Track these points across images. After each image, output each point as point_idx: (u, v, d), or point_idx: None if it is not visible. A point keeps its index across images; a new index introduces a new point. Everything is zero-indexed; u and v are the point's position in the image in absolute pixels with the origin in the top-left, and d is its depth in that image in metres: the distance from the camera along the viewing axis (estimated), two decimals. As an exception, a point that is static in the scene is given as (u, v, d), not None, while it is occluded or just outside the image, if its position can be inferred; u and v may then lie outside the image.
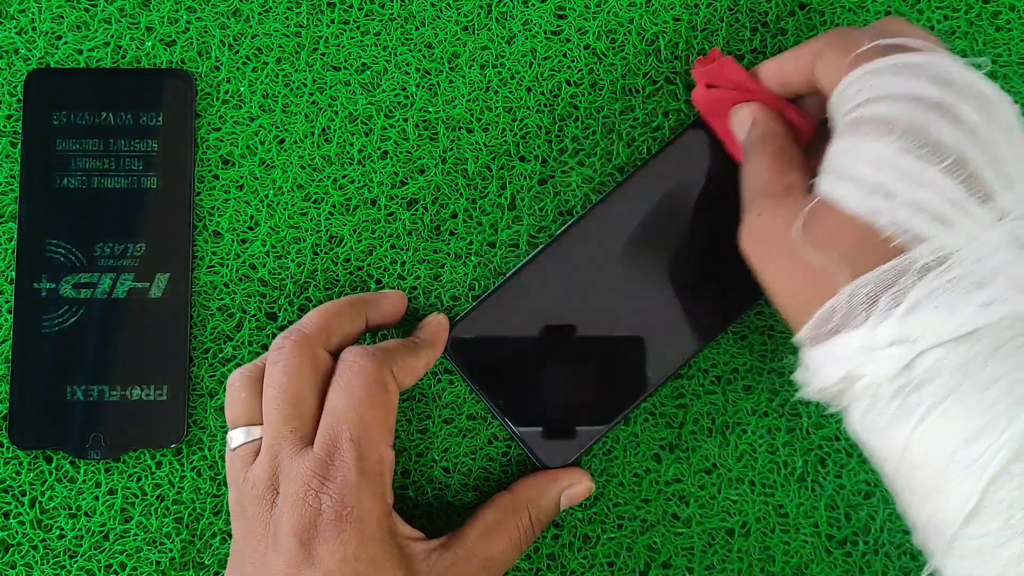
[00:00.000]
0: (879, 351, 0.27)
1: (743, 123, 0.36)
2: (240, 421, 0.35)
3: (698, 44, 0.42)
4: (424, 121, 0.41)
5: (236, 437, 0.34)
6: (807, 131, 0.36)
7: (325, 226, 0.41)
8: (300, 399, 0.33)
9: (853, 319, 0.27)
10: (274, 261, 0.40)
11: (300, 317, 0.40)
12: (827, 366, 0.29)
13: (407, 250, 0.41)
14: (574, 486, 0.38)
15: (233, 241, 0.40)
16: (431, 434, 0.40)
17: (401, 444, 0.40)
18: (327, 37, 0.41)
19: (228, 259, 0.40)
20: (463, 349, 0.39)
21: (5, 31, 0.41)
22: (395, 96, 0.41)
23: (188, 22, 0.41)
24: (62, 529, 0.39)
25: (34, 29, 0.41)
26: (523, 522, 0.36)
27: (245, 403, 0.34)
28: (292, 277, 0.40)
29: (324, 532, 0.31)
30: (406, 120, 0.41)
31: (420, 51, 0.41)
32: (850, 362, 0.28)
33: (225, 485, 0.39)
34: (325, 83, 0.41)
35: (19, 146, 0.40)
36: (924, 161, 0.27)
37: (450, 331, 0.39)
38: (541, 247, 0.39)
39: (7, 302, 0.39)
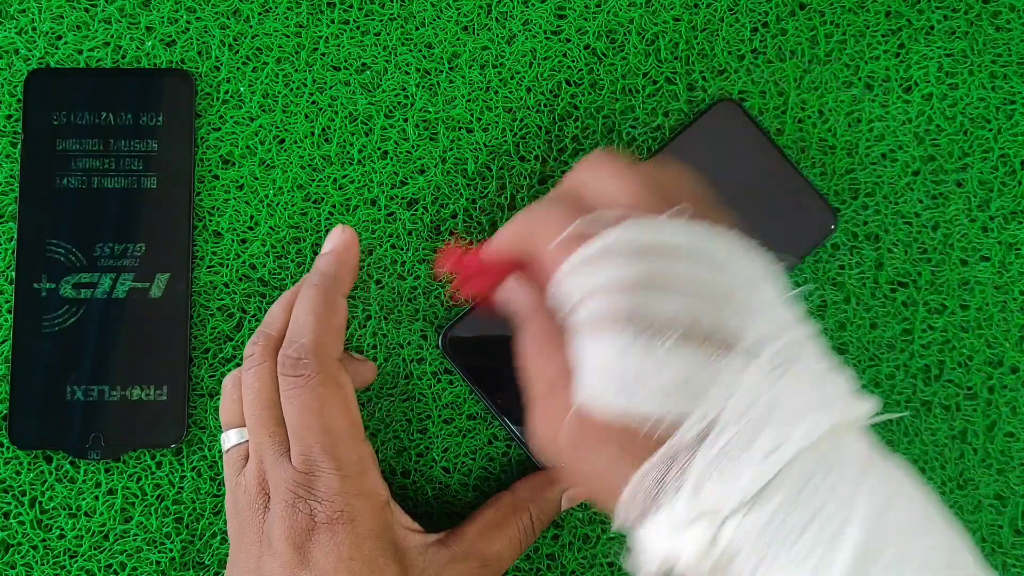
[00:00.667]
0: (684, 530, 0.26)
1: (505, 294, 0.33)
2: (233, 423, 0.35)
3: (698, 44, 0.42)
4: (424, 121, 0.41)
5: (229, 438, 0.35)
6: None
7: (325, 226, 0.41)
8: (274, 403, 0.34)
9: (653, 503, 0.26)
10: (274, 261, 0.40)
11: (300, 317, 0.40)
12: (647, 551, 0.27)
13: (407, 250, 0.41)
14: (575, 487, 0.38)
15: (233, 241, 0.40)
16: (431, 434, 0.40)
17: (401, 444, 0.40)
18: (327, 37, 0.41)
19: (228, 259, 0.40)
20: (462, 349, 0.39)
21: (5, 31, 0.41)
22: (395, 96, 0.41)
23: (188, 22, 0.41)
24: (62, 529, 0.39)
25: (34, 29, 0.41)
26: (523, 522, 0.36)
27: (237, 405, 0.35)
28: (292, 277, 0.40)
29: (317, 535, 0.31)
30: (406, 120, 0.41)
31: (420, 51, 0.41)
32: (663, 544, 0.26)
33: (224, 485, 0.39)
34: (325, 83, 0.41)
35: (19, 146, 0.40)
36: (653, 342, 0.26)
37: (449, 331, 0.39)
38: None
39: (7, 302, 0.39)
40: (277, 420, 0.33)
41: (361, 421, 0.34)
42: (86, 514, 0.39)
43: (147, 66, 0.41)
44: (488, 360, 0.39)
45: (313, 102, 0.41)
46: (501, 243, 0.32)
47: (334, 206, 0.41)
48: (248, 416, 0.34)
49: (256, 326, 0.40)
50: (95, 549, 0.39)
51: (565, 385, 0.29)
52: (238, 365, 0.40)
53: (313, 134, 0.41)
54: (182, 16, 0.41)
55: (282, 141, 0.41)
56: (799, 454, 0.25)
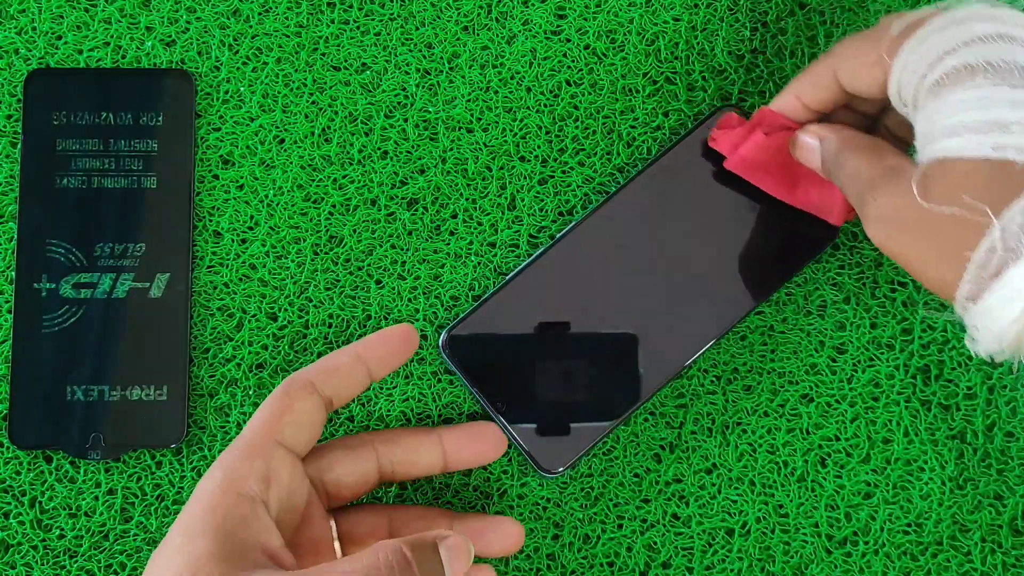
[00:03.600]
0: None
1: (810, 145, 0.36)
2: None
3: (698, 44, 0.42)
4: (424, 121, 0.41)
5: None
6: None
7: (325, 226, 0.41)
8: None
9: (1015, 252, 0.27)
10: (274, 261, 0.40)
11: (300, 317, 0.40)
12: (1004, 307, 0.27)
13: (407, 250, 0.41)
14: (448, 538, 0.30)
15: (233, 241, 0.40)
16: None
17: (401, 444, 0.40)
18: (327, 37, 0.41)
19: (228, 259, 0.40)
20: (462, 350, 0.39)
21: (5, 31, 0.41)
22: (395, 96, 0.41)
23: (188, 22, 0.41)
24: (62, 529, 0.39)
25: (34, 29, 0.41)
26: (381, 557, 0.30)
27: None
28: (292, 277, 0.40)
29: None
30: (406, 120, 0.41)
31: (420, 51, 0.41)
32: None
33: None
34: (325, 83, 0.41)
35: (19, 146, 0.40)
36: (1018, 86, 0.28)
37: (450, 331, 0.39)
38: (543, 248, 0.40)
39: (7, 302, 0.39)
40: None
41: (292, 436, 0.33)
42: (86, 514, 0.39)
43: (147, 66, 0.41)
44: (488, 362, 0.39)
45: (313, 102, 0.41)
46: (808, 88, 0.35)
47: (334, 206, 0.41)
48: None
49: (256, 326, 0.40)
50: (95, 549, 0.39)
51: (907, 171, 0.30)
52: (238, 365, 0.40)
53: (313, 134, 0.41)
54: (182, 16, 0.41)
55: (282, 141, 0.41)
56: None
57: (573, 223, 0.39)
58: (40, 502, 0.39)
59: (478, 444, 0.37)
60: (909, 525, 0.40)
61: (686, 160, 0.40)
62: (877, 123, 0.37)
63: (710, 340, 0.39)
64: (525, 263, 0.39)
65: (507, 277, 0.39)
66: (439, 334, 0.39)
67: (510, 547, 0.36)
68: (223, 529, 0.29)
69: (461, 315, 0.39)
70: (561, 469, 0.38)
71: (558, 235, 0.39)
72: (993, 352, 0.29)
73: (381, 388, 0.40)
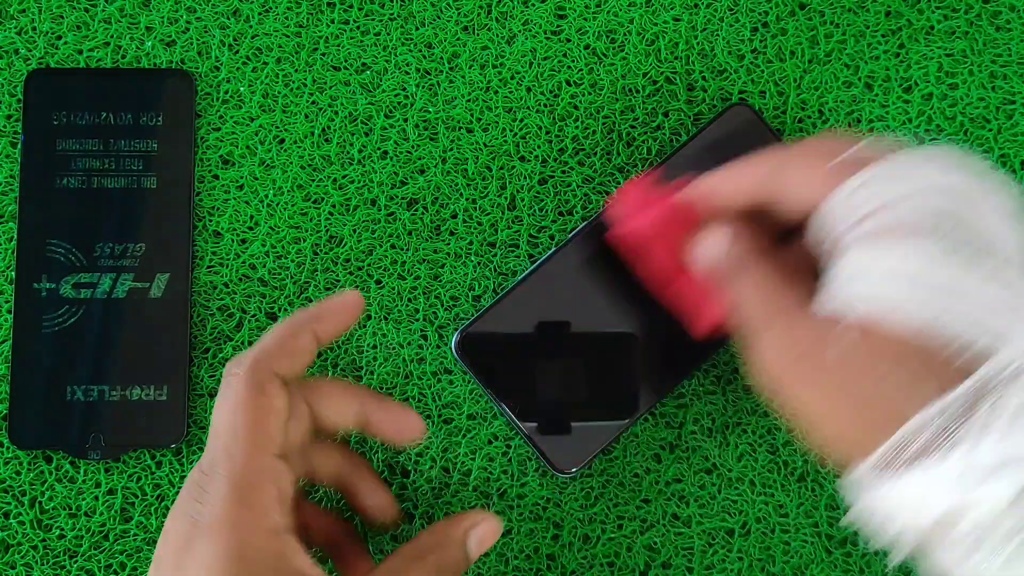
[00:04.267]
0: (983, 479, 0.23)
1: (717, 244, 0.32)
2: None
3: (698, 44, 0.42)
4: (424, 121, 0.41)
5: None
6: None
7: (325, 226, 0.41)
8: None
9: (938, 445, 0.23)
10: (274, 261, 0.40)
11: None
12: (913, 506, 0.24)
13: (407, 250, 0.41)
14: (478, 525, 0.34)
15: (233, 241, 0.40)
16: (431, 434, 0.40)
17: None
18: (327, 37, 0.41)
19: (228, 259, 0.40)
20: (474, 350, 0.39)
21: (5, 31, 0.41)
22: (395, 96, 0.41)
23: (188, 22, 0.41)
24: (62, 529, 0.39)
25: (34, 29, 0.41)
26: (426, 568, 0.33)
27: None
28: (292, 277, 0.40)
29: (194, 545, 0.29)
30: (406, 120, 0.41)
31: (420, 51, 0.41)
32: (947, 497, 0.23)
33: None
34: (325, 83, 0.41)
35: (19, 146, 0.40)
36: (968, 264, 0.24)
37: (463, 332, 0.39)
38: (555, 247, 0.39)
39: (7, 302, 0.39)
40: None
41: (279, 439, 0.31)
42: (86, 514, 0.39)
43: (147, 66, 0.41)
44: (500, 362, 0.39)
45: (313, 102, 0.41)
46: (735, 180, 0.31)
47: (334, 206, 0.41)
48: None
49: (256, 326, 0.40)
50: (95, 549, 0.39)
51: (806, 311, 0.27)
52: (238, 365, 0.40)
53: (313, 134, 0.41)
54: (182, 16, 0.41)
55: (282, 141, 0.41)
56: None
57: (584, 223, 0.39)
58: (40, 502, 0.39)
59: (401, 424, 0.35)
60: (909, 525, 0.40)
61: (696, 160, 0.40)
62: (786, 237, 0.34)
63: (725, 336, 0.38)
64: (537, 263, 0.39)
65: (518, 277, 0.39)
66: (447, 335, 0.39)
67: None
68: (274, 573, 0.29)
69: (474, 315, 0.39)
70: (575, 469, 0.38)
71: (571, 232, 0.39)
72: (881, 544, 0.26)
73: (382, 388, 0.40)
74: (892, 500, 0.25)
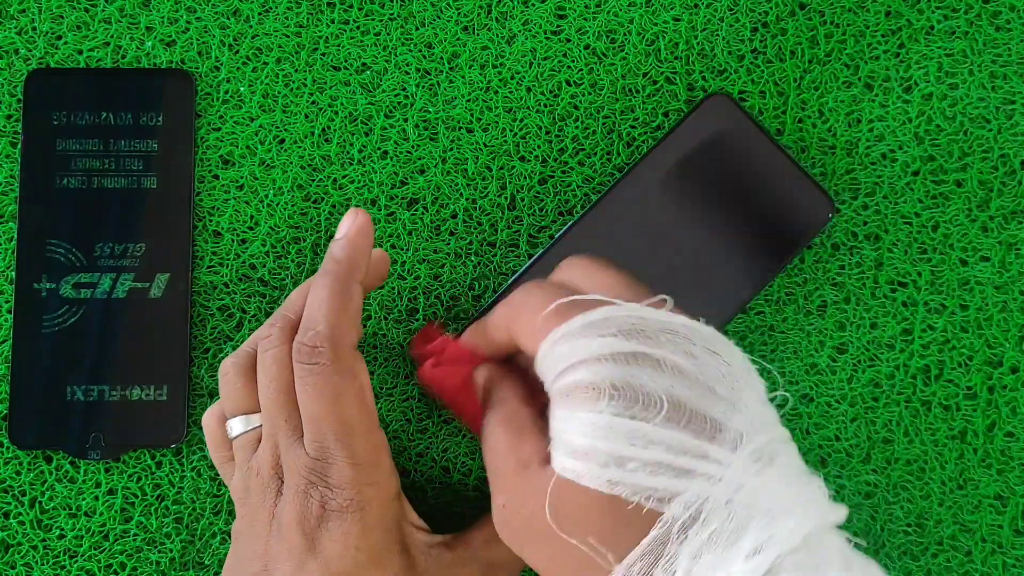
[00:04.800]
0: None
1: (480, 386, 0.34)
2: (238, 410, 0.34)
3: (698, 44, 0.42)
4: (424, 121, 0.41)
5: (236, 426, 0.34)
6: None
7: (325, 226, 0.41)
8: (291, 386, 0.33)
9: None
10: (274, 261, 0.40)
11: (300, 317, 0.40)
12: None
13: (407, 250, 0.41)
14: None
15: (233, 241, 0.40)
16: (431, 434, 0.40)
17: (401, 444, 0.40)
18: (327, 37, 0.41)
19: (228, 259, 0.40)
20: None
21: (5, 31, 0.41)
22: (395, 96, 0.41)
23: (188, 22, 0.41)
24: (62, 529, 0.39)
25: (34, 29, 0.41)
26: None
27: (241, 392, 0.34)
28: (292, 277, 0.40)
29: (327, 523, 0.31)
30: (406, 120, 0.41)
31: (420, 51, 0.41)
32: None
33: (225, 485, 0.39)
34: (325, 83, 0.41)
35: (19, 146, 0.40)
36: (640, 419, 0.26)
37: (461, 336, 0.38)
38: (546, 246, 0.39)
39: (7, 302, 0.39)
40: (293, 404, 0.33)
41: (375, 410, 0.33)
42: (86, 514, 0.39)
43: (147, 66, 0.41)
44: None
45: (313, 102, 0.41)
46: (482, 331, 0.33)
47: (334, 206, 0.41)
48: (264, 398, 0.33)
49: (256, 326, 0.40)
50: (95, 549, 0.39)
51: (540, 464, 0.29)
52: (238, 365, 0.40)
53: (313, 134, 0.41)
54: (182, 16, 0.41)
55: (282, 141, 0.41)
56: (786, 553, 0.25)
57: (571, 221, 0.39)
58: (40, 502, 0.39)
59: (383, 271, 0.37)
60: (909, 525, 0.40)
61: (677, 151, 0.40)
62: None
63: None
64: (528, 263, 0.39)
65: (511, 277, 0.39)
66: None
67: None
68: (400, 538, 0.33)
69: (470, 318, 0.39)
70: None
71: (558, 233, 0.39)
72: None
73: (382, 388, 0.40)
74: None
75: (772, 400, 0.30)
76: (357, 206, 0.37)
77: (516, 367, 0.34)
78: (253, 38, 0.41)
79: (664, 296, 0.29)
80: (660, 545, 0.26)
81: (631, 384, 0.27)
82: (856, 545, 0.28)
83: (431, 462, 0.40)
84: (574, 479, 0.27)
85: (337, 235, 0.34)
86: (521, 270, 0.39)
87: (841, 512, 0.28)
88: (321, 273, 0.34)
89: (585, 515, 0.27)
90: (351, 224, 0.34)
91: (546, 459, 0.29)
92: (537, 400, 0.32)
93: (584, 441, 0.27)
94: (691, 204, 0.40)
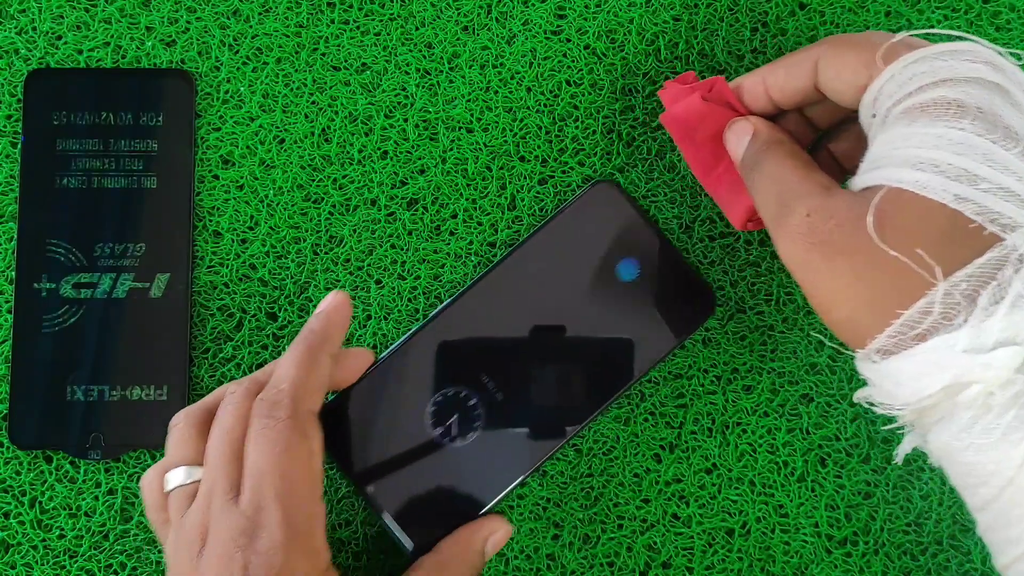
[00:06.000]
0: (987, 354, 0.24)
1: (741, 135, 0.33)
2: (182, 461, 0.33)
3: (698, 44, 0.42)
4: (424, 121, 0.41)
5: (175, 477, 0.33)
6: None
7: (325, 226, 0.41)
8: (240, 443, 0.32)
9: (950, 320, 0.25)
10: (274, 261, 0.40)
11: (300, 317, 0.40)
12: (922, 375, 0.25)
13: (407, 250, 0.41)
14: (496, 533, 0.37)
15: (233, 241, 0.40)
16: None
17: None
18: (327, 37, 0.41)
19: (228, 259, 0.40)
20: (333, 425, 0.37)
21: (5, 31, 0.41)
22: (395, 96, 0.41)
23: (188, 22, 0.41)
24: (62, 529, 0.39)
25: (34, 29, 0.41)
26: None
27: (188, 443, 0.33)
28: (292, 277, 0.40)
29: None
30: (406, 120, 0.41)
31: (420, 51, 0.41)
32: (953, 368, 0.24)
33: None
34: (325, 83, 0.41)
35: (19, 146, 0.40)
36: (1002, 146, 0.25)
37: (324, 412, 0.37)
38: (426, 319, 0.39)
39: (7, 302, 0.39)
40: (238, 461, 0.32)
41: (321, 481, 0.33)
42: (86, 514, 0.39)
43: (147, 66, 0.41)
44: (360, 441, 0.38)
45: (313, 102, 0.41)
46: (782, 73, 0.32)
47: (334, 206, 0.41)
48: (210, 451, 0.32)
49: (256, 326, 0.40)
50: (95, 549, 0.39)
51: (844, 191, 0.28)
52: (238, 365, 0.40)
53: (313, 134, 0.41)
54: (182, 16, 0.41)
55: (282, 141, 0.41)
56: None
57: (445, 303, 0.39)
58: (40, 502, 0.39)
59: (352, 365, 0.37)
60: (909, 525, 0.40)
61: (559, 237, 0.39)
62: (819, 145, 0.35)
63: (585, 417, 0.38)
64: (386, 353, 0.38)
65: (397, 344, 0.39)
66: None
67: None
68: None
69: (338, 394, 0.38)
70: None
71: (432, 312, 0.39)
72: (887, 413, 0.27)
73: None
74: (904, 370, 0.26)
75: None
76: (342, 289, 0.38)
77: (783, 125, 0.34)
78: (253, 38, 0.41)
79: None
80: (995, 268, 0.25)
81: (996, 113, 0.26)
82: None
83: (431, 462, 0.40)
84: (917, 190, 0.26)
85: (316, 310, 0.36)
86: (382, 358, 0.39)
87: None
88: (294, 341, 0.34)
89: (918, 227, 0.26)
90: (330, 301, 0.35)
91: (858, 180, 0.28)
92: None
93: (936, 154, 0.26)
94: (570, 292, 0.39)
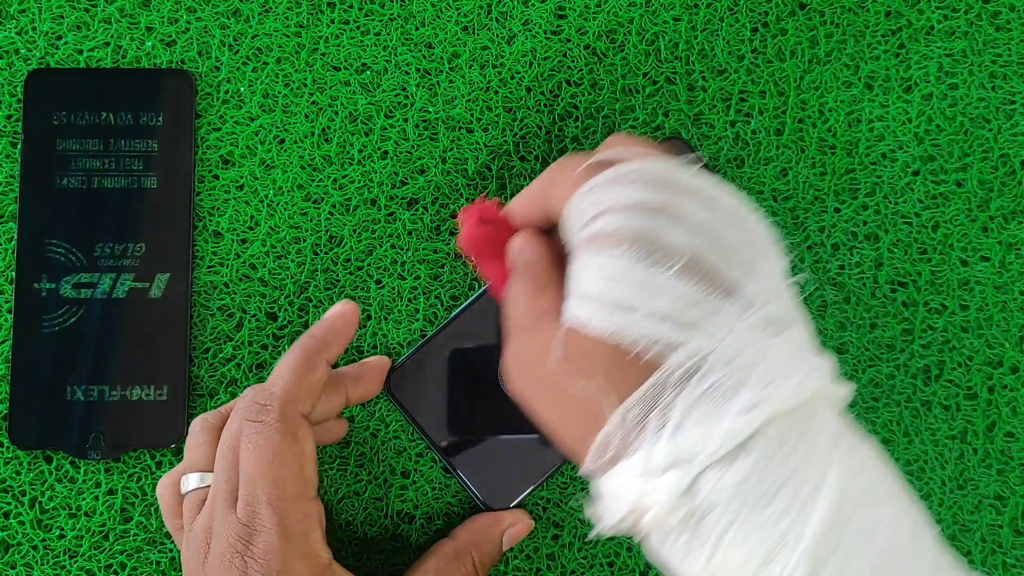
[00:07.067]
0: (658, 478, 0.25)
1: (511, 250, 0.33)
2: (196, 467, 0.34)
3: (698, 44, 0.42)
4: (424, 121, 0.41)
5: (190, 481, 0.34)
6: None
7: (325, 226, 0.41)
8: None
9: (629, 446, 0.26)
10: (274, 261, 0.40)
11: (300, 317, 0.40)
12: (616, 497, 0.27)
13: (407, 250, 0.41)
14: (515, 526, 0.38)
15: (233, 241, 0.40)
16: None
17: (401, 444, 0.40)
18: (327, 37, 0.41)
19: (228, 259, 0.40)
20: (404, 387, 0.39)
21: (5, 31, 0.41)
22: (395, 96, 0.41)
23: (188, 22, 0.41)
24: (62, 529, 0.39)
25: (34, 29, 0.41)
26: (466, 567, 0.36)
27: (201, 448, 0.34)
28: (292, 277, 0.40)
29: None
30: (406, 120, 0.41)
31: (420, 51, 0.41)
32: (634, 493, 0.26)
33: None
34: (325, 83, 0.41)
35: (19, 146, 0.40)
36: (657, 267, 0.26)
37: (392, 371, 0.39)
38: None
39: (7, 302, 0.39)
40: (237, 467, 0.32)
41: (315, 480, 0.33)
42: (86, 514, 0.39)
43: (147, 66, 0.41)
44: (432, 400, 0.39)
45: (313, 102, 0.41)
46: (523, 200, 0.33)
47: (334, 206, 0.41)
48: (216, 458, 0.33)
49: (256, 326, 0.40)
50: (95, 549, 0.39)
51: (554, 317, 0.29)
52: (238, 365, 0.40)
53: (313, 134, 0.41)
54: (182, 16, 0.41)
55: (282, 141, 0.41)
56: (778, 415, 0.25)
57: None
58: (40, 502, 0.39)
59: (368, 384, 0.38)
60: (909, 525, 0.40)
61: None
62: None
63: None
64: (470, 300, 0.39)
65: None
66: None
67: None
68: None
69: (404, 356, 0.39)
70: (512, 505, 0.38)
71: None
72: (612, 534, 0.28)
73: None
74: (605, 491, 0.27)
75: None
76: (351, 300, 0.38)
77: (553, 239, 0.33)
78: (253, 38, 0.41)
79: (699, 154, 0.29)
80: (657, 393, 0.26)
81: (652, 235, 0.26)
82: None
83: (431, 462, 0.40)
84: (579, 327, 0.27)
85: (322, 317, 0.36)
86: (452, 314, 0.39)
87: (844, 389, 0.27)
88: (292, 345, 0.35)
89: (590, 361, 0.27)
90: (336, 309, 0.36)
91: (562, 312, 0.29)
92: (565, 265, 0.31)
93: (596, 286, 0.27)
94: None
